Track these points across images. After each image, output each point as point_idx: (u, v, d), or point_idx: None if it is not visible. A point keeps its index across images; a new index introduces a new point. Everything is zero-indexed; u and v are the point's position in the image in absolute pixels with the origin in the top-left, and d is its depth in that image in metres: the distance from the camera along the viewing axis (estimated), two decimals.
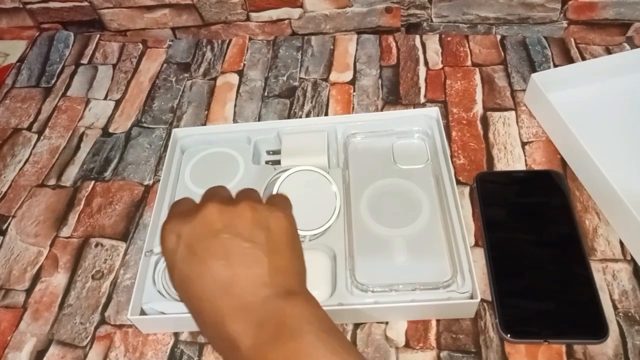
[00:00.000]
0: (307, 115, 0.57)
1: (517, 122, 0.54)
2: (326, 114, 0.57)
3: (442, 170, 0.47)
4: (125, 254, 0.48)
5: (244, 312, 0.29)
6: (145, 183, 0.53)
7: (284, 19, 0.66)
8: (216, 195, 0.35)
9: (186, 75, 0.63)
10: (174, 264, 0.31)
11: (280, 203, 0.35)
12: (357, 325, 0.42)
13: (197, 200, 0.34)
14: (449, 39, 0.63)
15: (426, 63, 0.61)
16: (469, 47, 0.62)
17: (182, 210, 0.33)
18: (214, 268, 0.30)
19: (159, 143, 0.57)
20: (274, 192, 0.46)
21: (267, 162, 0.52)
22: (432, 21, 0.64)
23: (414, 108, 0.56)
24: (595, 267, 0.43)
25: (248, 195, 0.35)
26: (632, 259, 0.43)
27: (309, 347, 0.26)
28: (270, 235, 0.32)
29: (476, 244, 0.45)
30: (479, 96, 0.57)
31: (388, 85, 0.59)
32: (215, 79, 0.63)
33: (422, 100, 0.57)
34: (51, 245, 0.49)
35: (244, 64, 0.64)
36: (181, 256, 0.31)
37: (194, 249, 0.31)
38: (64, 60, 0.67)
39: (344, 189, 0.47)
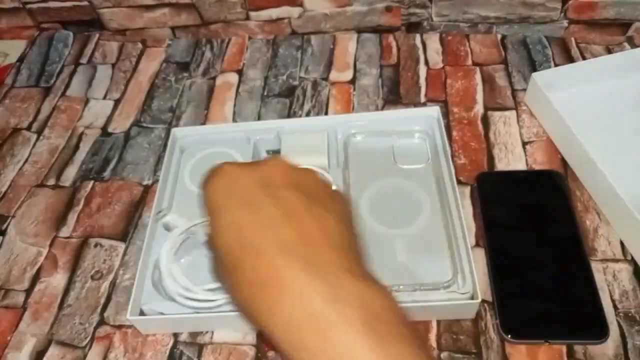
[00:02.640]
0: (307, 115, 0.57)
1: (517, 121, 0.54)
2: (326, 114, 0.57)
3: (443, 170, 0.47)
4: (124, 254, 0.48)
5: (318, 270, 0.25)
6: (145, 183, 0.53)
7: (283, 18, 0.65)
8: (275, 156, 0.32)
9: (185, 74, 0.63)
10: (222, 207, 0.28)
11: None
12: None
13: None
14: (449, 38, 0.63)
15: (426, 62, 0.61)
16: (469, 46, 0.62)
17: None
18: (280, 221, 0.26)
19: (158, 143, 0.57)
20: None
21: None
22: (432, 20, 0.64)
23: (414, 107, 0.56)
24: (596, 267, 0.43)
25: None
26: (633, 259, 0.43)
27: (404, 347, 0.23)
28: (338, 207, 0.29)
29: (477, 244, 0.45)
30: (479, 96, 0.57)
31: (388, 85, 0.59)
32: (214, 78, 0.62)
33: (423, 99, 0.57)
34: (50, 246, 0.49)
35: (244, 64, 0.64)
36: (236, 204, 0.27)
37: (253, 198, 0.27)
38: (63, 59, 0.67)
39: (344, 189, 0.47)
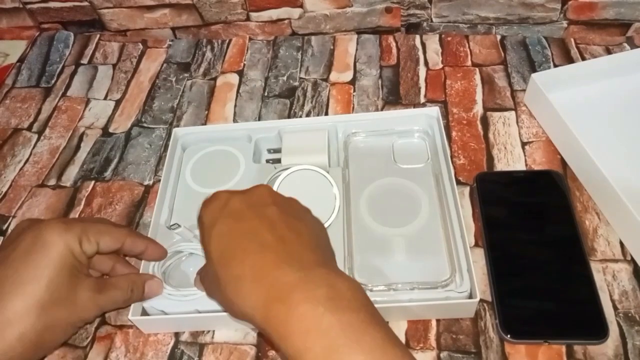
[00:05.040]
0: (307, 116, 0.57)
1: (517, 122, 0.54)
2: (326, 114, 0.57)
3: (442, 170, 0.47)
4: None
5: (292, 262, 0.30)
6: (146, 183, 0.53)
7: (284, 19, 0.66)
8: (265, 184, 0.38)
9: (186, 75, 0.63)
10: (213, 223, 0.32)
11: None
12: None
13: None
14: (449, 39, 0.63)
15: (426, 63, 0.61)
16: (469, 47, 0.62)
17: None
18: (262, 231, 0.31)
19: (159, 143, 0.57)
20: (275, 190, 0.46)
21: (267, 161, 0.52)
22: (432, 21, 0.64)
23: (414, 108, 0.56)
24: (595, 267, 0.43)
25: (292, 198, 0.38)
26: (632, 259, 0.43)
27: (366, 325, 0.27)
28: (314, 224, 0.35)
29: (476, 244, 0.45)
30: (479, 96, 0.57)
31: (388, 85, 0.59)
32: (215, 79, 0.63)
33: (422, 100, 0.57)
34: None
35: (244, 64, 0.64)
36: (224, 216, 0.32)
37: (240, 213, 0.32)
38: (64, 60, 0.67)
39: (344, 188, 0.47)
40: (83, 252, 0.37)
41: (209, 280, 0.34)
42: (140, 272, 0.42)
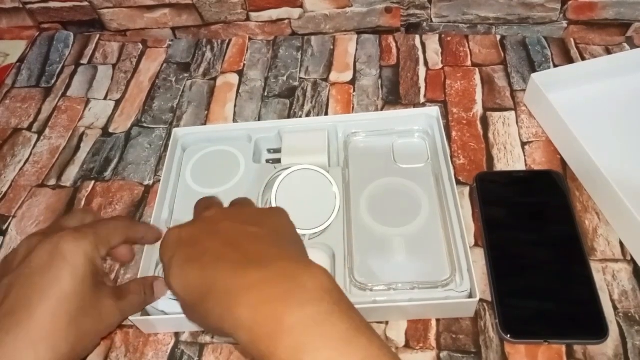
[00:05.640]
0: (307, 116, 0.57)
1: (517, 122, 0.54)
2: (326, 114, 0.57)
3: (442, 170, 0.47)
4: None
5: (249, 264, 0.28)
6: (146, 183, 0.53)
7: (284, 19, 0.66)
8: (213, 204, 0.37)
9: (186, 75, 0.63)
10: (171, 257, 0.32)
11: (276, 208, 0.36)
12: None
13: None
14: (448, 39, 0.63)
15: (426, 63, 0.61)
16: (468, 47, 0.62)
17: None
18: (217, 247, 0.30)
19: (159, 143, 0.57)
20: (275, 190, 0.46)
21: (267, 161, 0.52)
22: (432, 21, 0.64)
23: (414, 108, 0.56)
24: (595, 267, 0.43)
25: (245, 199, 0.37)
26: (632, 259, 0.43)
27: (328, 316, 0.26)
28: (275, 224, 0.33)
29: (476, 244, 0.45)
30: (478, 96, 0.57)
31: (388, 85, 0.59)
32: (215, 79, 0.63)
33: (422, 100, 0.57)
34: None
35: (244, 64, 0.64)
36: (179, 247, 0.32)
37: (194, 240, 0.31)
38: (64, 60, 0.67)
39: (344, 188, 0.47)
40: (99, 256, 0.37)
41: (184, 310, 0.34)
42: (141, 273, 0.42)
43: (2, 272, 0.36)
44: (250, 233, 0.31)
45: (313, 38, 0.66)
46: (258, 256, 0.29)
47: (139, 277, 0.42)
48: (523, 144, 0.52)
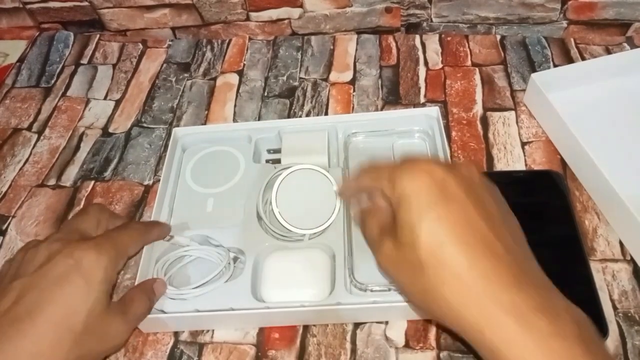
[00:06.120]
0: (307, 116, 0.57)
1: (517, 122, 0.54)
2: (326, 114, 0.57)
3: None
4: None
5: (526, 280, 0.27)
6: (145, 183, 0.53)
7: (283, 19, 0.66)
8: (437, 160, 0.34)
9: (186, 75, 0.63)
10: (434, 205, 0.29)
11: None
12: (357, 325, 0.42)
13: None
14: (448, 39, 0.63)
15: (426, 63, 0.61)
16: (468, 47, 0.62)
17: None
18: (485, 229, 0.28)
19: (159, 143, 0.57)
20: (275, 190, 0.46)
21: (267, 161, 0.52)
22: (432, 21, 0.64)
23: (414, 108, 0.56)
24: (595, 267, 0.43)
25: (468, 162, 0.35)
26: (632, 259, 0.43)
27: None
28: (515, 221, 0.32)
29: None
30: (478, 96, 0.57)
31: (388, 85, 0.59)
32: (215, 79, 0.63)
33: (422, 100, 0.57)
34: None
35: (244, 64, 0.64)
36: (447, 202, 0.29)
37: (462, 200, 0.29)
38: (63, 60, 0.67)
39: None
40: (117, 271, 0.37)
41: (396, 260, 0.31)
42: (140, 272, 0.42)
43: (18, 271, 0.36)
44: (511, 230, 0.30)
45: (313, 38, 0.66)
46: (529, 273, 0.28)
47: (137, 276, 0.42)
48: (523, 144, 0.52)
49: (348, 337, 0.41)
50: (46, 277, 0.34)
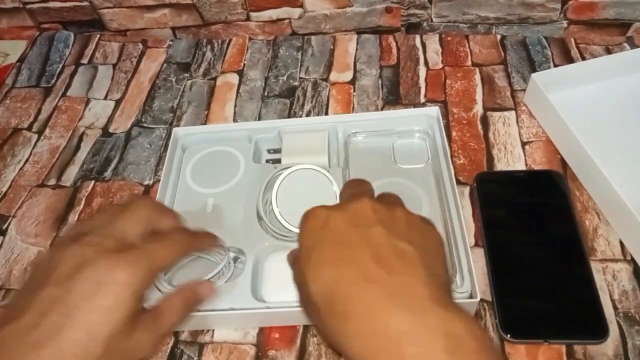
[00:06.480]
0: (307, 115, 0.57)
1: (517, 122, 0.54)
2: (326, 114, 0.57)
3: (442, 170, 0.47)
4: None
5: (402, 301, 0.26)
6: (145, 183, 0.53)
7: (284, 19, 0.66)
8: (366, 192, 0.35)
9: (186, 75, 0.63)
10: (314, 247, 0.30)
11: (428, 219, 0.33)
12: None
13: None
14: (449, 38, 0.63)
15: (426, 63, 0.61)
16: (469, 47, 0.62)
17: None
18: (366, 259, 0.28)
19: (159, 143, 0.57)
20: (275, 190, 0.46)
21: (267, 161, 0.52)
22: (432, 21, 0.64)
23: (414, 108, 0.56)
24: (595, 267, 0.43)
25: (396, 201, 0.35)
26: (632, 259, 0.43)
27: None
28: (425, 243, 0.31)
29: (476, 244, 0.45)
30: (479, 96, 0.57)
31: (388, 85, 0.59)
32: (215, 78, 0.63)
33: (422, 100, 0.57)
34: (51, 245, 0.49)
35: (244, 64, 0.64)
36: (325, 239, 0.30)
37: (342, 234, 0.29)
38: (64, 60, 0.67)
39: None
40: (149, 285, 0.34)
41: (304, 301, 0.31)
42: None
43: (46, 272, 0.33)
44: (400, 251, 0.29)
45: (313, 38, 0.66)
46: (409, 293, 0.27)
47: None
48: (523, 144, 0.52)
49: None
50: (73, 292, 0.31)
